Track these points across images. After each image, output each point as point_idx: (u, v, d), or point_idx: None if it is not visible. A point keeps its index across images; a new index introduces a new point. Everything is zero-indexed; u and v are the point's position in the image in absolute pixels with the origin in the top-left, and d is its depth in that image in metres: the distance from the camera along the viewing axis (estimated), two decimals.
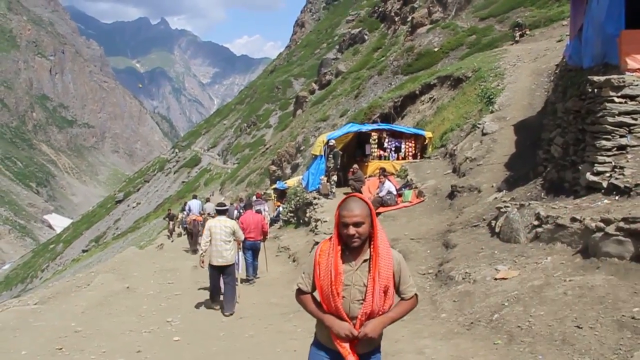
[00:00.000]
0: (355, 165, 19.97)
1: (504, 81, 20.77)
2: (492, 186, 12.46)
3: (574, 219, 7.35)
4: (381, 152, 21.74)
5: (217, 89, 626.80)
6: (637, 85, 7.84)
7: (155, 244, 26.93)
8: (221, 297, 10.77)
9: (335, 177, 19.33)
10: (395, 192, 15.82)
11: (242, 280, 12.88)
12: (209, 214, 20.22)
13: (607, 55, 9.08)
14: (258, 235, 13.22)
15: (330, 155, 19.40)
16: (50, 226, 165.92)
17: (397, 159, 21.60)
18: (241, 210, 23.20)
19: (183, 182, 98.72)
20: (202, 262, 10.57)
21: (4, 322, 9.80)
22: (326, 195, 18.91)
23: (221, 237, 10.28)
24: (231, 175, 76.37)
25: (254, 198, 25.95)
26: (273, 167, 54.51)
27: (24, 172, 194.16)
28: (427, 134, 21.78)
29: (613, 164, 7.84)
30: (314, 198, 19.04)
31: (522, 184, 11.24)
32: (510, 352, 5.74)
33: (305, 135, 55.00)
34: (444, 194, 14.50)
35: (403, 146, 21.76)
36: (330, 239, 3.46)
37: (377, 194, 15.86)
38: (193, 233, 20.38)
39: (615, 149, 7.90)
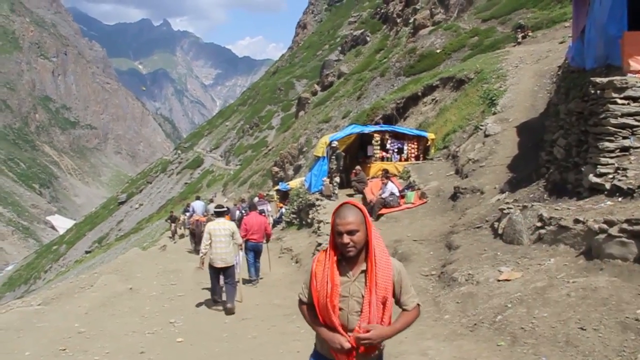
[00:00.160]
0: (358, 167, 20.02)
1: (506, 83, 20.76)
2: (495, 188, 12.46)
3: (577, 221, 7.34)
4: (384, 154, 21.75)
5: (219, 91, 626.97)
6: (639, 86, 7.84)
7: (158, 245, 26.95)
8: (223, 297, 10.87)
9: (337, 179, 19.36)
10: (397, 194, 15.82)
11: (244, 281, 12.91)
12: (212, 214, 20.27)
13: (609, 56, 9.08)
14: (261, 237, 13.26)
15: (333, 157, 19.43)
16: (53, 227, 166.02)
17: (400, 160, 21.60)
18: (243, 211, 23.25)
19: (186, 183, 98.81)
20: (202, 263, 10.73)
21: (7, 323, 9.84)
22: (329, 197, 18.94)
23: (220, 239, 10.44)
24: (234, 177, 76.43)
25: (256, 199, 26.00)
26: (275, 169, 54.58)
27: (27, 173, 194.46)
28: (430, 136, 21.78)
29: (616, 165, 7.83)
30: (317, 199, 19.06)
31: (525, 185, 11.23)
32: (513, 353, 5.75)
33: (307, 136, 55.04)
34: (447, 196, 14.50)
35: (405, 147, 21.76)
36: (327, 249, 3.37)
37: (380, 195, 15.86)
38: (196, 233, 20.44)
39: (618, 150, 7.89)
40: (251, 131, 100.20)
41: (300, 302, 3.55)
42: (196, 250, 20.07)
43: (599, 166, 8.00)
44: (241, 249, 12.09)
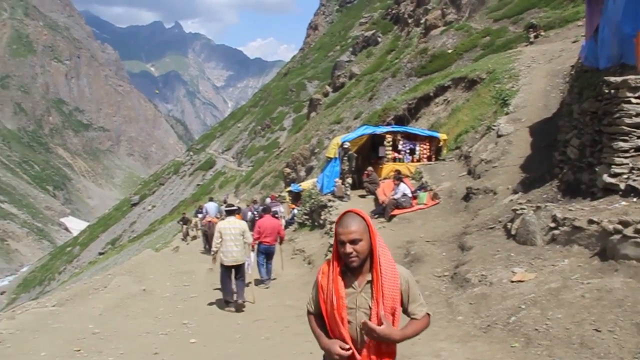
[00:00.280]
0: (370, 168, 20.00)
1: (518, 83, 20.66)
2: (508, 188, 12.40)
3: (591, 221, 7.29)
4: (396, 155, 21.70)
5: (231, 92, 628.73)
6: None
7: (170, 247, 27.07)
8: (234, 297, 10.98)
9: (350, 180, 19.33)
10: (410, 195, 15.78)
11: (256, 282, 12.97)
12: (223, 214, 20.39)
13: (623, 55, 9.00)
14: (273, 240, 13.30)
15: (345, 158, 19.40)
16: (67, 229, 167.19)
17: (412, 161, 21.55)
18: (255, 213, 23.30)
19: (198, 184, 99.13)
20: (214, 260, 10.94)
21: (23, 324, 9.93)
22: (341, 198, 18.92)
23: (231, 237, 10.61)
24: (246, 178, 76.60)
25: (268, 200, 26.03)
26: (287, 170, 54.61)
27: (41, 175, 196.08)
28: (442, 136, 21.71)
29: (630, 165, 7.77)
30: (329, 200, 19.05)
31: (538, 185, 11.17)
32: (527, 355, 5.72)
33: (319, 137, 55.05)
34: (459, 196, 14.45)
35: (417, 148, 21.70)
36: (331, 260, 3.30)
37: (392, 196, 15.83)
38: (208, 235, 20.54)
39: (632, 150, 7.82)
40: (263, 132, 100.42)
41: (308, 312, 3.50)
42: (209, 251, 20.18)
43: (613, 166, 7.94)
44: (253, 250, 12.25)
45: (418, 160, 21.47)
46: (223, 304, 11.14)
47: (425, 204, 15.24)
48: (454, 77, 29.01)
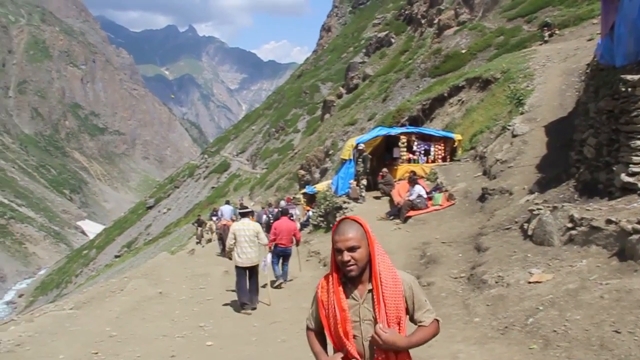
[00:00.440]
0: (385, 169, 19.95)
1: (533, 82, 20.53)
2: (524, 188, 12.32)
3: (609, 221, 7.22)
4: (410, 156, 21.64)
5: (245, 95, 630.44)
6: None
7: (186, 249, 27.18)
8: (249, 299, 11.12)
9: (364, 181, 19.32)
10: (425, 196, 15.73)
11: (272, 283, 12.99)
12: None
13: None
14: (289, 242, 13.35)
15: (360, 159, 19.39)
16: (83, 232, 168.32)
17: (427, 162, 21.48)
18: (270, 215, 23.35)
19: (213, 187, 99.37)
20: (230, 257, 11.28)
21: (42, 327, 10.02)
22: (356, 200, 18.91)
23: (245, 239, 10.75)
24: (260, 180, 76.72)
25: (283, 202, 26.05)
26: (302, 172, 54.64)
27: (58, 179, 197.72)
28: (457, 137, 21.62)
29: None
30: (344, 202, 19.04)
31: (555, 185, 11.08)
32: (546, 357, 5.66)
33: (333, 139, 55.02)
34: (475, 197, 14.38)
35: (432, 149, 21.63)
36: (329, 274, 3.16)
37: (407, 197, 15.79)
38: (223, 237, 20.61)
39: None
40: (277, 135, 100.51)
41: (307, 328, 3.41)
42: (224, 254, 20.26)
43: (631, 165, 7.86)
44: (270, 251, 12.42)
45: (433, 161, 21.40)
46: (239, 306, 11.17)
47: (441, 205, 15.18)
48: (468, 77, 28.89)
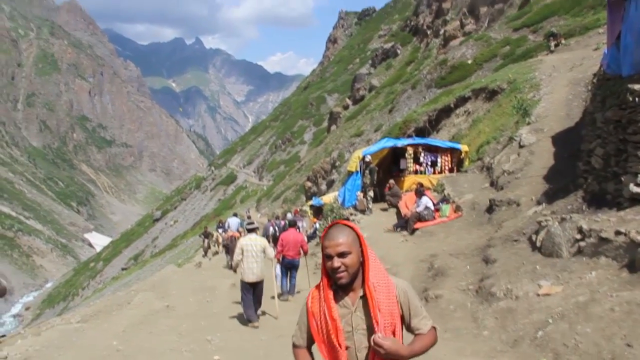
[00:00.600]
0: (392, 181, 19.93)
1: (540, 92, 20.48)
2: (532, 199, 12.24)
3: (618, 232, 7.16)
4: (417, 167, 21.61)
5: (251, 107, 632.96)
6: None
7: (193, 262, 27.16)
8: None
9: (371, 193, 19.30)
10: (432, 207, 15.68)
11: (279, 296, 12.94)
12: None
13: None
14: (296, 254, 13.31)
15: (367, 171, 19.37)
16: (90, 245, 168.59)
17: (434, 173, 21.44)
18: (276, 227, 23.34)
19: (219, 199, 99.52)
20: (235, 270, 11.27)
21: (49, 341, 10.00)
22: (363, 211, 18.87)
23: (252, 254, 10.80)
24: (267, 192, 76.77)
25: (289, 215, 26.03)
26: (308, 184, 54.66)
27: (65, 191, 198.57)
28: (463, 148, 21.58)
29: None
30: (351, 214, 19.00)
31: (562, 196, 11.01)
32: None
33: (340, 151, 55.08)
34: (482, 208, 14.30)
35: (439, 160, 21.59)
36: (320, 283, 3.01)
37: (415, 209, 15.74)
38: (230, 249, 20.65)
39: None
40: (283, 146, 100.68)
41: (294, 346, 3.15)
42: (231, 266, 20.28)
43: (639, 175, 7.80)
44: (278, 262, 12.49)
45: (440, 172, 21.36)
46: (245, 320, 11.15)
47: (448, 217, 15.11)
48: (474, 87, 28.86)
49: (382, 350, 2.74)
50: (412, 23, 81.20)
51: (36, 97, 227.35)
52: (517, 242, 10.04)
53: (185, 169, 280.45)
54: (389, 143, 21.91)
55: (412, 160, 21.55)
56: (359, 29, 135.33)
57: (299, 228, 19.35)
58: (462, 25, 53.88)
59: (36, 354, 9.14)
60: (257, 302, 11.20)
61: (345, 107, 75.41)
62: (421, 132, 29.71)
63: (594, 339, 5.69)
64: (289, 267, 13.45)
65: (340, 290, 2.91)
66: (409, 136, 28.17)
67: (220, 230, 27.21)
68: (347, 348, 2.88)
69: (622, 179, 8.33)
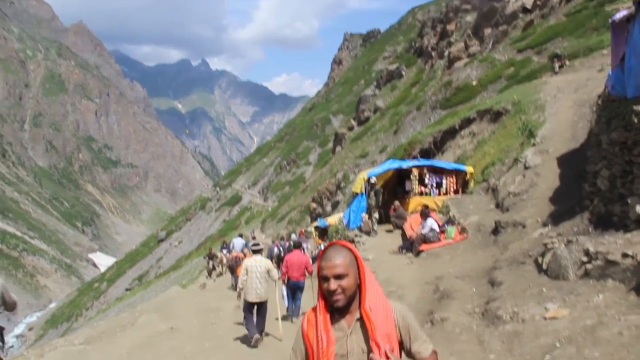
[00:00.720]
0: (397, 202, 19.88)
1: (544, 113, 20.50)
2: (537, 221, 12.19)
3: (625, 255, 7.10)
4: (422, 188, 21.57)
5: (256, 128, 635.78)
6: None
7: (197, 283, 27.08)
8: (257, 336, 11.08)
9: (376, 215, 19.26)
10: (437, 229, 15.61)
11: (283, 318, 12.88)
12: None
13: None
14: (300, 275, 13.29)
15: (372, 193, 19.35)
16: (95, 265, 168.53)
17: (439, 194, 21.38)
18: (281, 248, 23.29)
19: (224, 220, 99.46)
20: (239, 297, 11.21)
21: None
22: (368, 233, 18.82)
23: (257, 275, 10.87)
24: (272, 213, 76.69)
25: (294, 236, 25.99)
26: (313, 205, 54.57)
27: (70, 211, 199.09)
28: (468, 169, 21.56)
29: None
30: (356, 236, 18.94)
31: (568, 218, 10.96)
32: None
33: (345, 172, 55.08)
34: (488, 230, 14.24)
35: (444, 182, 21.55)
36: (316, 306, 2.94)
37: (420, 231, 15.69)
38: (234, 268, 20.63)
39: None
40: (288, 167, 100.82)
41: None
42: (235, 286, 20.25)
43: None
44: (284, 283, 12.79)
45: (445, 194, 21.30)
46: (250, 342, 11.11)
47: (453, 239, 15.04)
48: (479, 109, 28.91)
49: None
50: (417, 45, 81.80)
51: (43, 117, 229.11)
52: (523, 264, 9.97)
53: (190, 190, 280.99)
54: (394, 164, 21.91)
55: (417, 182, 21.52)
56: (364, 51, 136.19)
57: (303, 249, 19.32)
58: (467, 47, 54.20)
59: None
60: (262, 322, 11.19)
61: (350, 128, 75.61)
62: (426, 154, 29.72)
63: None
64: (294, 289, 13.42)
65: (336, 312, 2.83)
66: (414, 157, 28.17)
67: (224, 251, 27.18)
68: None
69: (629, 200, 8.30)
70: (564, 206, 11.98)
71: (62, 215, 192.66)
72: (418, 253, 14.97)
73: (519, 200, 14.18)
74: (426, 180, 21.56)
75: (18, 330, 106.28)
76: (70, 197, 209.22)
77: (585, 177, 11.68)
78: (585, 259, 8.03)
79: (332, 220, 27.64)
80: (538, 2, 47.34)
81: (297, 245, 14.34)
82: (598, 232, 9.24)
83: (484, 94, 38.24)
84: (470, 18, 61.22)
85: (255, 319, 11.12)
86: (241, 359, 10.35)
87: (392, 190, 22.36)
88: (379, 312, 2.77)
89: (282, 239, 29.62)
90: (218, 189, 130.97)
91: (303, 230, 31.50)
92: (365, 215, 19.44)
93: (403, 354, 2.92)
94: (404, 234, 17.57)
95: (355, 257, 2.83)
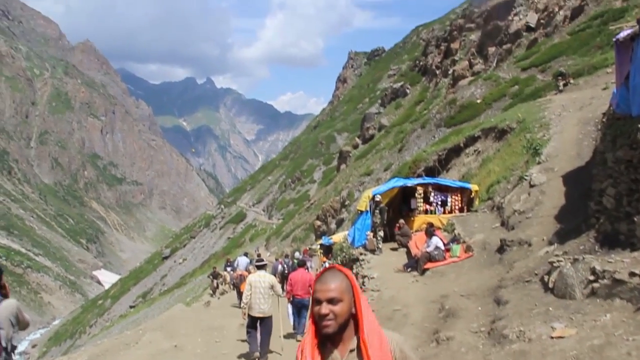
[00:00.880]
0: (402, 220, 19.83)
1: (549, 131, 20.47)
2: (543, 239, 12.13)
3: (632, 274, 7.05)
4: (427, 207, 21.52)
5: (261, 146, 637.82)
6: None
7: (201, 301, 27.00)
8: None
9: (381, 233, 19.20)
10: (443, 247, 15.55)
11: (288, 335, 12.84)
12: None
13: None
14: (305, 294, 13.26)
15: (376, 211, 19.32)
16: (99, 282, 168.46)
17: (444, 213, 21.32)
18: (285, 266, 23.26)
19: (229, 237, 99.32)
20: (244, 314, 11.16)
21: None
22: (373, 251, 18.76)
23: (260, 290, 10.93)
24: (276, 231, 76.61)
25: (298, 254, 25.94)
26: (318, 223, 54.55)
27: (75, 228, 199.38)
28: (473, 187, 21.50)
29: None
30: (361, 254, 18.89)
31: (574, 236, 10.90)
32: None
33: (349, 189, 55.07)
34: (493, 248, 14.18)
35: (449, 200, 21.48)
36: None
37: (425, 249, 15.63)
38: (238, 286, 20.59)
39: None
40: (293, 185, 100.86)
41: None
42: (240, 305, 20.22)
43: None
44: (289, 301, 12.93)
45: (450, 212, 21.24)
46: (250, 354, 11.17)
47: (459, 257, 14.98)
48: (483, 127, 28.92)
49: None
50: (421, 63, 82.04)
51: (49, 135, 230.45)
52: (529, 283, 9.91)
53: (195, 207, 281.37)
54: (399, 182, 21.89)
55: (422, 200, 21.47)
56: (369, 69, 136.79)
57: (307, 268, 19.29)
58: (471, 65, 54.38)
59: None
60: (266, 340, 11.19)
61: (355, 146, 75.73)
62: (431, 172, 29.68)
63: None
64: (299, 307, 13.42)
65: (328, 342, 2.68)
66: (419, 175, 28.13)
67: (228, 269, 27.14)
68: None
69: (635, 219, 8.26)
70: (570, 224, 11.92)
71: (67, 232, 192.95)
72: (423, 271, 14.90)
73: (525, 219, 14.12)
74: (431, 199, 21.52)
75: (21, 347, 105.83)
76: (75, 214, 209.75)
77: (591, 195, 11.64)
78: (592, 277, 7.98)
79: (337, 238, 27.56)
80: (542, 21, 47.55)
81: (301, 264, 14.35)
82: (604, 250, 9.19)
83: (489, 112, 38.27)
84: (474, 36, 61.40)
85: (259, 336, 11.10)
86: None
87: (397, 209, 22.32)
88: (374, 343, 2.62)
89: (286, 256, 29.56)
90: (222, 206, 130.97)
91: (307, 249, 31.45)
92: (370, 234, 19.39)
93: None
94: (409, 252, 17.50)
95: (352, 284, 2.70)
